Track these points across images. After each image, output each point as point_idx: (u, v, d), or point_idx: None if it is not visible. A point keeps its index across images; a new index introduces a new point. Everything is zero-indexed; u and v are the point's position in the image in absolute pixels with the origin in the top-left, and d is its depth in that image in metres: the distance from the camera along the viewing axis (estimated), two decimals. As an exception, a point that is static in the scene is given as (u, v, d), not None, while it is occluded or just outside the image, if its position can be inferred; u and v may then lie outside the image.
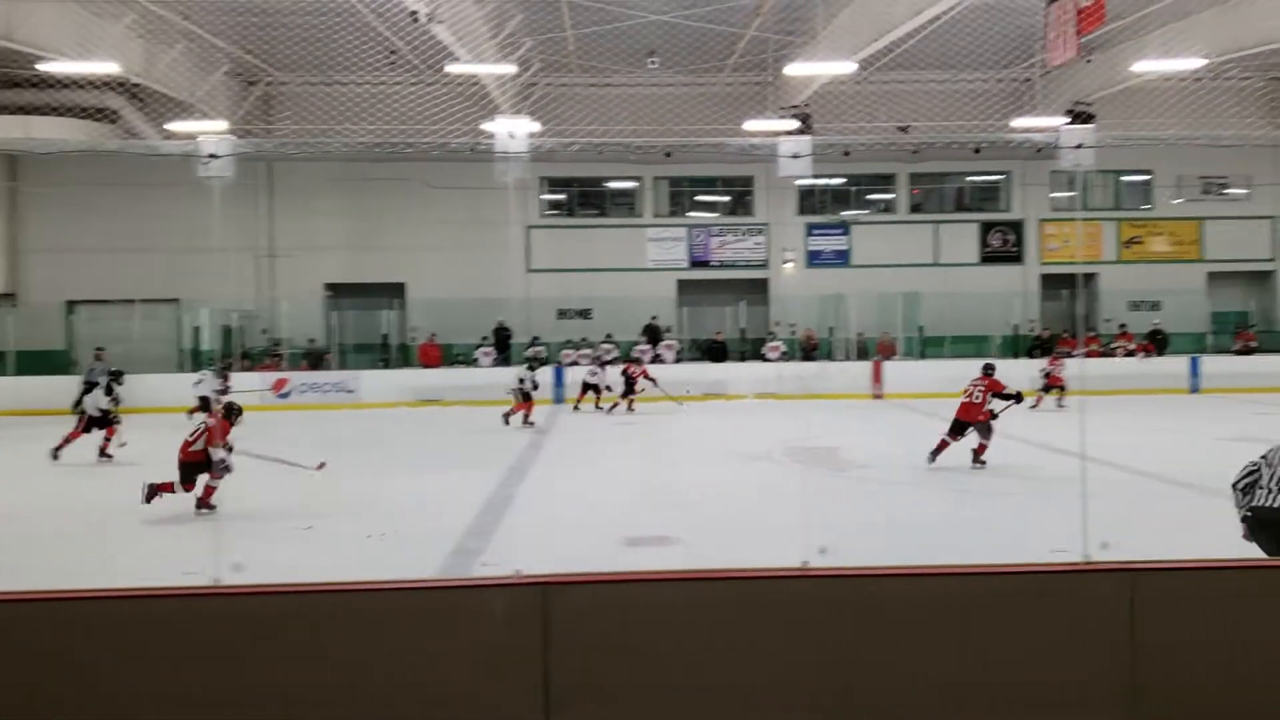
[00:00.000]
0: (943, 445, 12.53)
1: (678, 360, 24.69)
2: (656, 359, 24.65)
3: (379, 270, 26.39)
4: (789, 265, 27.18)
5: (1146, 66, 19.62)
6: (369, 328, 25.80)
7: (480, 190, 23.48)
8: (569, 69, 23.93)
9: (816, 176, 27.14)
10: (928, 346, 25.62)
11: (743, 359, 25.07)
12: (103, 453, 14.25)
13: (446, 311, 25.21)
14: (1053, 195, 27.68)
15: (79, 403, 15.18)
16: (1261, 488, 5.68)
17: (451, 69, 18.81)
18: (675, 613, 4.00)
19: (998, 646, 4.11)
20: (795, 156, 4.31)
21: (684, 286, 27.15)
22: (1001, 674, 4.08)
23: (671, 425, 18.61)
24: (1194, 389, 23.59)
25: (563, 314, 26.74)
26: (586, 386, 20.97)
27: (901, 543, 8.50)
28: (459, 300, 25.17)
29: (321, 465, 11.10)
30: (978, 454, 12.50)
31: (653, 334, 25.46)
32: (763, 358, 24.61)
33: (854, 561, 4.18)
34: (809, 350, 25.61)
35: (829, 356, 25.62)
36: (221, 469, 10.02)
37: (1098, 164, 26.30)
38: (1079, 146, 4.47)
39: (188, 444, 10.27)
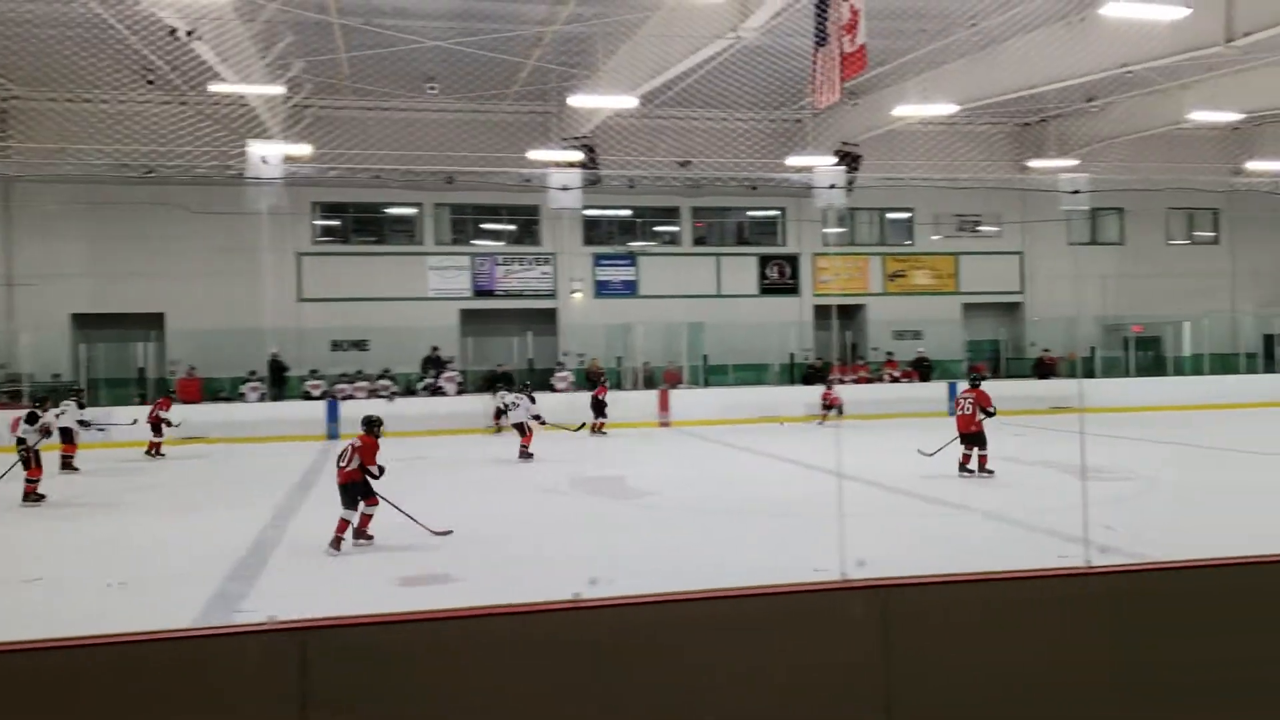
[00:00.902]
0: (965, 459, 14.08)
1: (460, 393, 24.37)
2: (438, 391, 24.28)
3: (134, 300, 24.74)
4: (577, 295, 27.46)
5: (906, 111, 21.15)
6: (123, 361, 24.09)
7: (243, 215, 22.52)
8: (344, 92, 23.38)
9: (603, 207, 27.71)
10: (711, 374, 26.46)
11: (530, 390, 24.99)
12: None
13: (209, 343, 23.92)
14: (824, 231, 29.30)
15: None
16: None
17: (215, 89, 18.00)
18: (445, 654, 3.93)
19: (764, 667, 4.26)
20: (565, 189, 4.36)
21: (467, 316, 26.91)
22: (767, 698, 4.23)
23: (454, 459, 18.34)
24: (953, 412, 25.35)
25: (337, 345, 25.91)
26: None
27: (680, 568, 8.69)
28: (222, 331, 23.95)
29: (447, 532, 10.31)
30: (982, 464, 13.96)
31: (434, 365, 25.04)
32: (551, 388, 24.68)
33: (628, 591, 4.24)
34: (596, 380, 25.90)
35: (617, 386, 26.02)
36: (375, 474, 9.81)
37: (863, 202, 28.15)
38: (832, 186, 4.77)
39: (341, 467, 9.98)
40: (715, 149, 24.63)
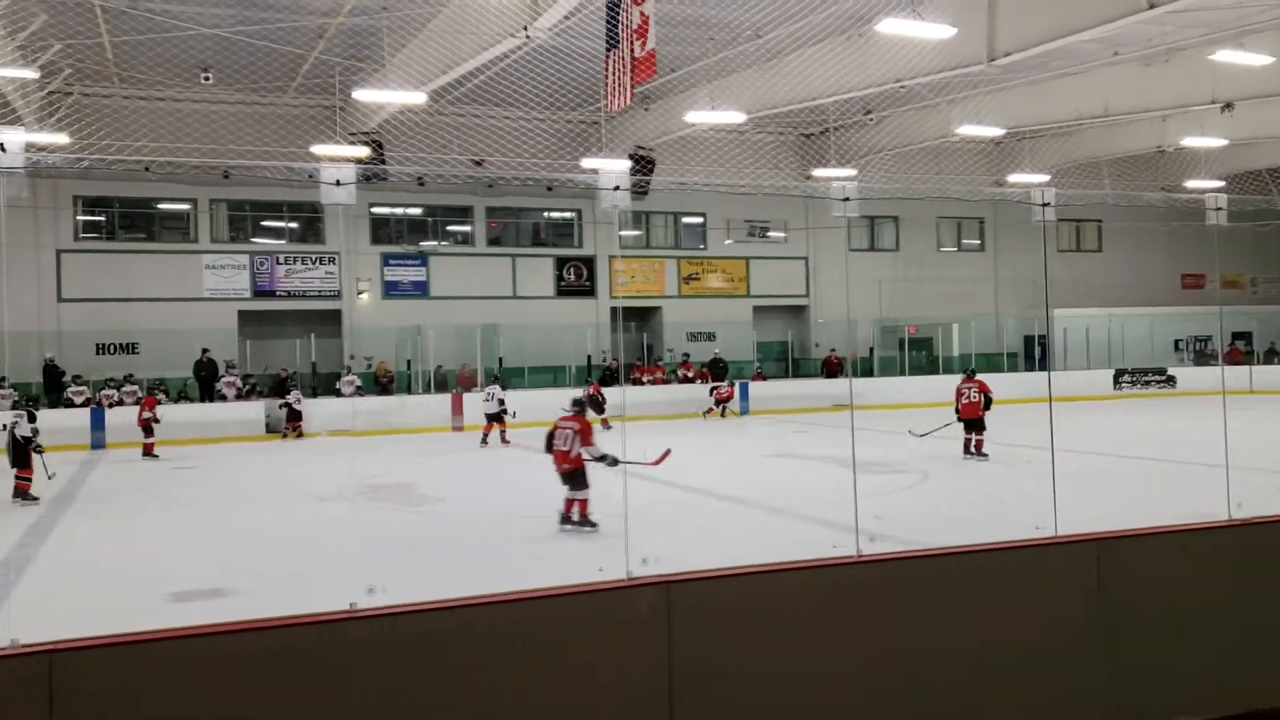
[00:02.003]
0: (968, 443, 15.78)
1: (240, 397, 23.30)
2: (219, 396, 23.17)
3: None
4: (364, 296, 26.77)
5: (697, 117, 21.75)
6: None
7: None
8: (109, 80, 21.92)
9: (393, 205, 27.11)
10: (507, 377, 26.34)
11: (315, 394, 24.20)
12: None
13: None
14: (620, 233, 29.75)
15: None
16: None
17: (-46, 68, 16.52)
18: (216, 670, 3.78)
19: (549, 670, 4.32)
20: (339, 184, 4.26)
21: (246, 318, 25.74)
22: (552, 700, 4.29)
23: (234, 468, 17.55)
24: (744, 411, 26.36)
25: (103, 349, 24.25)
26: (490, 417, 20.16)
27: (466, 575, 8.65)
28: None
29: (666, 454, 10.08)
30: (979, 447, 15.70)
31: (206, 369, 23.79)
32: (337, 392, 23.97)
33: (407, 599, 4.21)
34: (385, 383, 25.35)
35: (407, 390, 25.53)
36: (610, 462, 9.58)
37: (658, 206, 28.79)
38: (616, 188, 4.88)
39: (564, 454, 10.01)
40: (510, 148, 24.56)
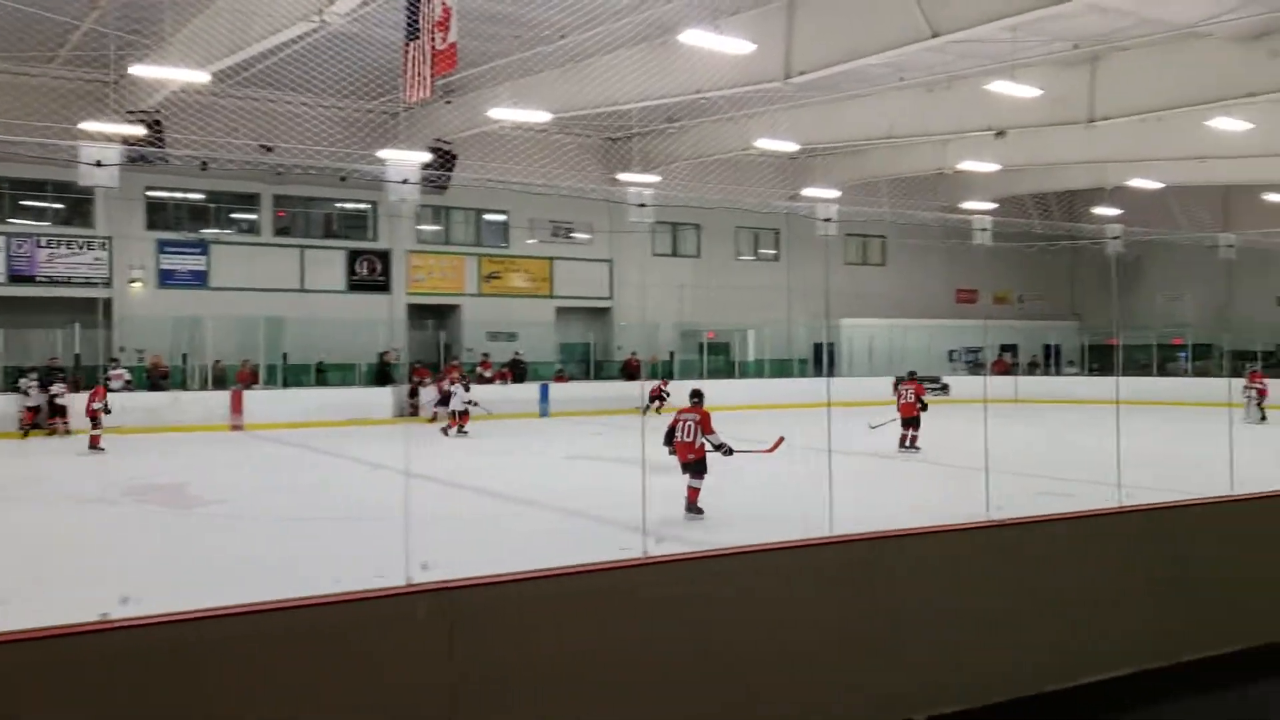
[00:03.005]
0: (904, 438, 17.29)
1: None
2: None
3: None
4: (137, 285, 25.17)
5: (501, 114, 21.64)
6: None
7: None
8: None
9: (170, 190, 25.64)
10: (292, 374, 25.40)
11: (78, 389, 22.53)
12: None
13: None
14: (420, 228, 29.21)
15: None
16: None
17: None
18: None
19: (322, 680, 4.19)
20: (99, 165, 3.96)
21: (1, 305, 23.72)
22: (325, 712, 4.16)
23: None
24: (544, 413, 26.40)
25: None
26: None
27: (239, 580, 8.28)
28: None
29: (780, 441, 11.19)
30: (912, 441, 17.23)
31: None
32: (106, 387, 22.42)
33: (168, 608, 3.99)
34: (158, 379, 23.93)
35: (182, 386, 24.19)
36: (725, 451, 10.81)
37: (459, 202, 28.43)
38: (405, 181, 4.76)
39: (689, 445, 10.78)
40: (301, 135, 23.62)
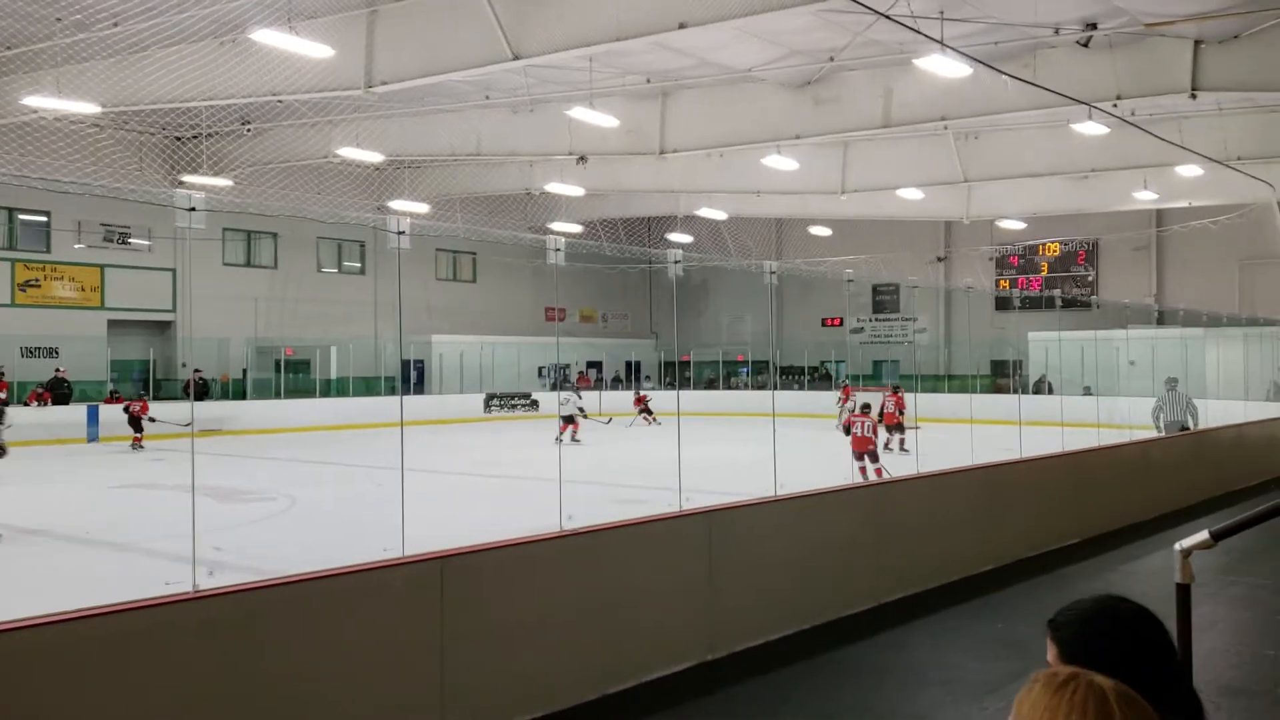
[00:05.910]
0: (888, 442, 18.41)
1: None
2: None
3: None
4: None
5: (41, 103, 19.52)
6: None
7: None
8: None
9: None
10: None
11: None
12: None
13: None
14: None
15: None
16: None
17: None
18: None
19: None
20: None
21: None
22: None
23: None
24: (93, 438, 24.05)
25: None
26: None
27: None
28: None
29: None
30: (900, 444, 19.02)
31: None
32: None
33: None
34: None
35: None
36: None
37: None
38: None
39: (869, 439, 13.75)
40: None
